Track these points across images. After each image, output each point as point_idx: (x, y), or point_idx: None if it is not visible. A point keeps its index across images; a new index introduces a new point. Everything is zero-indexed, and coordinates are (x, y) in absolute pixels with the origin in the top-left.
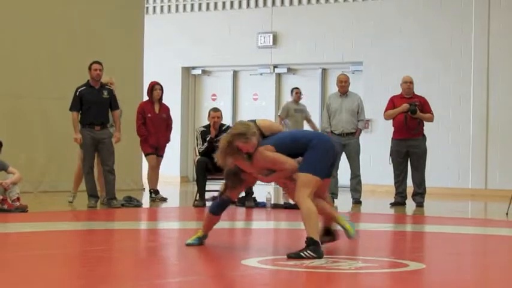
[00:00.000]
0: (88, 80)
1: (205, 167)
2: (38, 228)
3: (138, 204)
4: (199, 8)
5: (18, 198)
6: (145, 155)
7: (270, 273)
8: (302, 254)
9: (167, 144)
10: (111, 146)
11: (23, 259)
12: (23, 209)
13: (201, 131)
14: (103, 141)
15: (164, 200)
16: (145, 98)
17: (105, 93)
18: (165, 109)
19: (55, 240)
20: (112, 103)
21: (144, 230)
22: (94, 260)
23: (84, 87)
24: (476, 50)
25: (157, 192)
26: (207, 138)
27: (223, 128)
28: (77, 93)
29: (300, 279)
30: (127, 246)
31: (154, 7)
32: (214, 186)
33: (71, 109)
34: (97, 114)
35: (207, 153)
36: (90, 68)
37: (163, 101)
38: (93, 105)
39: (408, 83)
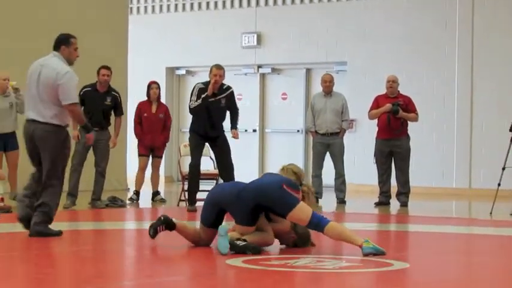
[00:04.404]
0: (96, 81)
1: (198, 172)
2: (21, 229)
3: (123, 205)
4: (183, 9)
5: (2, 199)
6: (138, 155)
7: (255, 273)
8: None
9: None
10: (106, 148)
11: (4, 259)
12: (7, 210)
13: (199, 88)
14: (99, 143)
15: (163, 201)
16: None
17: (109, 99)
18: (163, 109)
19: (38, 240)
20: (116, 109)
21: (128, 230)
22: (78, 260)
23: (89, 89)
24: (460, 50)
25: (157, 193)
26: (202, 96)
27: (224, 87)
28: (81, 93)
29: (285, 279)
30: (111, 247)
31: (138, 7)
32: (205, 187)
33: None
34: (95, 119)
35: (199, 110)
36: (98, 72)
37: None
38: (93, 111)
39: (391, 82)
